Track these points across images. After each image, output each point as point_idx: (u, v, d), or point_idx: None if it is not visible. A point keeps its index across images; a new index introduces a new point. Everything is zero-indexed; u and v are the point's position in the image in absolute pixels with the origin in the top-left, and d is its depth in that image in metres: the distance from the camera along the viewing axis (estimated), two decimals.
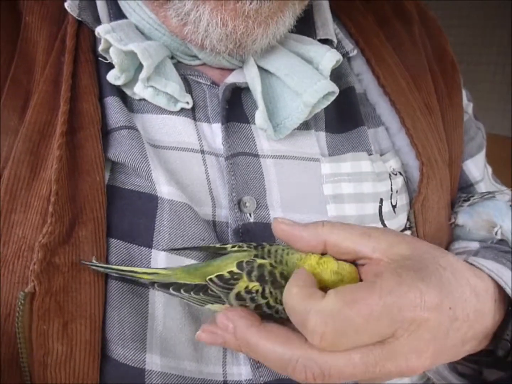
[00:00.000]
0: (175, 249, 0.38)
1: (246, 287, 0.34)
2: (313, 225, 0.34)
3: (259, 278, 0.34)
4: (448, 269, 0.32)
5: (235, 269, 0.34)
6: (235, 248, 0.36)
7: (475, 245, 0.49)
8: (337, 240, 0.34)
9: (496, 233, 0.49)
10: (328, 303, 0.29)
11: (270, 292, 0.33)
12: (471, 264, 0.39)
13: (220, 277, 0.34)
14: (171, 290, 0.35)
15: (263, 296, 0.33)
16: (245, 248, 0.36)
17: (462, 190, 0.56)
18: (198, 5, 0.38)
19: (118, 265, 0.38)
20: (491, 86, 2.04)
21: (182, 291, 0.35)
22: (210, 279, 0.34)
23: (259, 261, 0.34)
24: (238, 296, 0.34)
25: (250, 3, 0.37)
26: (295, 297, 0.30)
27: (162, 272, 0.36)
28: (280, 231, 0.35)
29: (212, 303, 0.35)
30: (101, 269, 0.37)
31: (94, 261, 0.36)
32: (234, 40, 0.40)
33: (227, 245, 0.37)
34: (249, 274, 0.34)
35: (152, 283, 0.36)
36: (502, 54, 2.03)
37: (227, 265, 0.35)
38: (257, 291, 0.33)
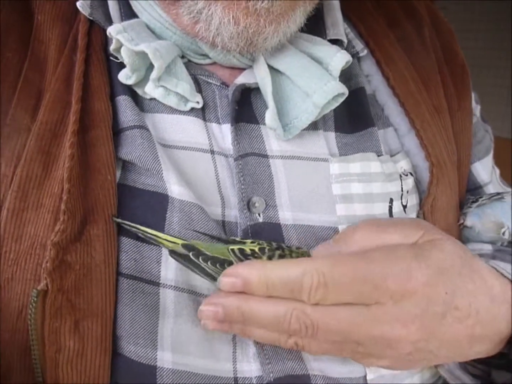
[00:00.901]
0: (195, 231, 0.38)
1: None
2: (349, 244, 0.35)
3: None
4: (466, 266, 0.33)
5: (257, 250, 0.36)
6: (254, 244, 0.37)
7: (488, 248, 0.49)
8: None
9: (503, 234, 0.49)
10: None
11: None
12: (493, 267, 0.39)
13: (241, 250, 0.36)
14: (191, 255, 0.36)
15: None
16: (266, 245, 0.37)
17: (471, 192, 0.56)
18: (210, 3, 0.38)
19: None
20: (491, 88, 2.04)
21: (200, 259, 0.36)
22: (232, 249, 0.36)
23: (280, 252, 0.36)
24: None
25: (262, 2, 0.37)
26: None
27: (182, 243, 0.37)
28: None
29: None
30: (127, 227, 0.38)
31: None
32: (245, 38, 0.40)
33: (247, 240, 0.38)
34: (269, 258, 0.35)
35: (173, 251, 0.37)
36: (502, 58, 2.03)
37: (249, 246, 0.36)
38: None
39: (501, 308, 0.35)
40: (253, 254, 0.35)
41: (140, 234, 0.38)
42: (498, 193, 0.51)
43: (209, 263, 0.35)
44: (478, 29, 2.07)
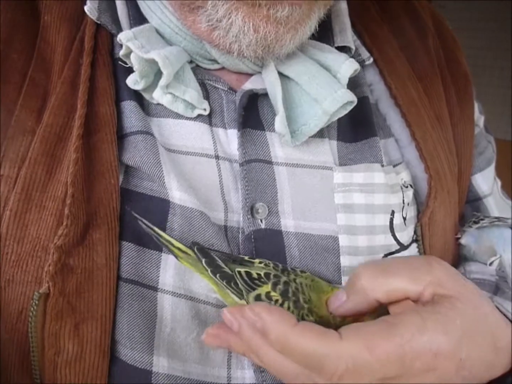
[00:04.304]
0: (200, 246, 0.38)
1: (268, 292, 0.35)
2: (355, 292, 0.33)
3: (282, 293, 0.35)
4: (480, 322, 0.32)
5: (262, 275, 0.36)
6: (262, 265, 0.37)
7: (491, 273, 0.49)
8: (385, 295, 0.33)
9: (491, 264, 0.49)
10: (349, 346, 0.29)
11: (288, 308, 0.34)
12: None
13: (248, 274, 0.36)
14: (203, 262, 0.36)
15: None
16: (272, 266, 0.37)
17: (470, 204, 0.56)
18: (231, 11, 0.38)
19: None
20: (491, 89, 2.03)
21: (209, 270, 0.36)
22: (239, 272, 0.36)
23: (285, 278, 0.36)
24: (258, 298, 0.35)
25: (283, 10, 0.38)
26: (310, 337, 0.30)
27: (194, 256, 0.37)
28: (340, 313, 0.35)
29: (230, 292, 0.36)
30: (144, 226, 0.38)
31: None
32: (263, 46, 0.40)
33: (255, 260, 0.38)
34: (274, 285, 0.35)
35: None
36: (501, 58, 2.02)
37: (255, 269, 0.36)
38: (276, 300, 0.34)
39: (502, 360, 0.34)
40: (260, 279, 0.35)
41: (154, 237, 0.38)
42: (499, 219, 0.51)
43: (217, 276, 0.36)
44: (476, 28, 2.06)
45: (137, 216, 0.38)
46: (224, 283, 0.35)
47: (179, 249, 0.37)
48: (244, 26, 0.38)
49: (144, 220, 0.38)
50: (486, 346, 0.32)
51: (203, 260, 0.36)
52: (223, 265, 0.36)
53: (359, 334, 0.30)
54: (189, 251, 0.38)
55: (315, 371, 0.30)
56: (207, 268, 0.36)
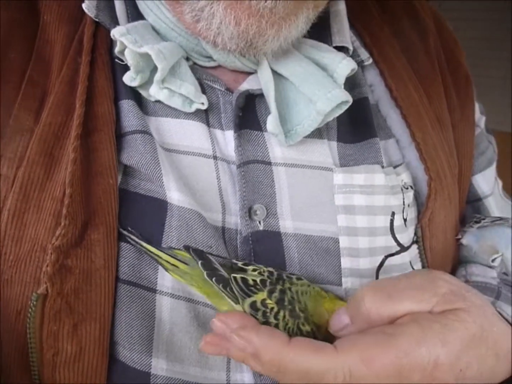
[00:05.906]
0: (195, 248, 0.38)
1: (264, 300, 0.34)
2: (359, 318, 0.32)
3: (278, 301, 0.34)
4: (484, 332, 0.31)
5: (258, 282, 0.35)
6: (256, 273, 0.36)
7: (492, 275, 0.49)
8: (392, 321, 0.32)
9: (493, 261, 0.48)
10: (345, 359, 0.29)
11: (284, 317, 0.34)
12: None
13: (244, 280, 0.35)
14: (199, 264, 0.36)
15: (275, 317, 0.34)
16: (267, 275, 0.36)
17: (471, 204, 0.56)
18: (213, 2, 0.38)
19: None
20: (491, 81, 2.03)
21: (205, 273, 0.35)
22: (235, 278, 0.35)
23: (281, 287, 0.35)
24: (253, 305, 0.34)
25: (265, 2, 0.37)
26: (304, 354, 0.30)
27: (183, 268, 0.37)
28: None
29: (226, 296, 0.35)
30: (133, 242, 0.38)
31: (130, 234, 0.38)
32: (245, 40, 0.39)
33: (249, 267, 0.37)
34: (270, 292, 0.35)
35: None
36: (501, 49, 2.02)
37: (251, 276, 0.36)
38: (272, 309, 0.34)
39: (503, 366, 0.33)
40: (255, 286, 0.35)
41: (143, 251, 0.38)
42: (501, 218, 0.51)
43: (213, 279, 0.35)
44: (476, 18, 2.06)
45: (124, 232, 0.38)
46: (220, 287, 0.35)
47: (167, 262, 0.37)
48: (225, 18, 0.38)
49: (130, 235, 0.38)
50: (489, 355, 0.31)
51: (199, 262, 0.36)
52: (219, 268, 0.36)
53: (355, 346, 0.29)
54: (177, 263, 0.37)
55: None
56: (203, 270, 0.35)
